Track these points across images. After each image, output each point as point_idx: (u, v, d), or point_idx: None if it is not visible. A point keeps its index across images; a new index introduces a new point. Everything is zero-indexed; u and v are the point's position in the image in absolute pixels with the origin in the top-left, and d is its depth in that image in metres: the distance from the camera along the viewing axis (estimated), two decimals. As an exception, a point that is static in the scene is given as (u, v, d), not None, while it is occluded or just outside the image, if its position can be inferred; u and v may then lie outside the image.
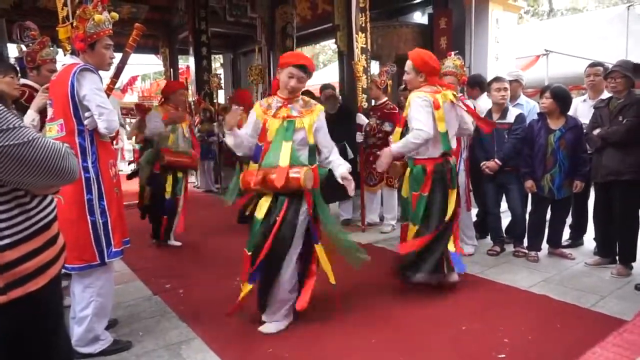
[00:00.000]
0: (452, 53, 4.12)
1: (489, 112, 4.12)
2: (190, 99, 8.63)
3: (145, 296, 3.32)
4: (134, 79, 14.98)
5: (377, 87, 5.02)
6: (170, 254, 4.44)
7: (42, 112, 2.62)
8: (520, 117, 3.98)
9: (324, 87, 5.76)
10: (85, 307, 2.40)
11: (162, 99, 4.76)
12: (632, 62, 3.58)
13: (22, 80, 3.11)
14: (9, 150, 1.08)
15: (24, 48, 3.20)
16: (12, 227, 1.17)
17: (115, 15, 2.45)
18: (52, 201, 1.32)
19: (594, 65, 4.19)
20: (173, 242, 4.69)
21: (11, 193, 1.19)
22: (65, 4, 2.43)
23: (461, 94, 4.17)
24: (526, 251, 4.06)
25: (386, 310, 2.97)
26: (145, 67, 14.99)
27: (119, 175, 2.55)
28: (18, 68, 3.12)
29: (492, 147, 4.03)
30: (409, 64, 3.22)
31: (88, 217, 2.33)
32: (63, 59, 2.56)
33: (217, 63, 13.84)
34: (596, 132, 3.54)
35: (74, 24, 2.32)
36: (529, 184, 3.88)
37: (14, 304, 1.15)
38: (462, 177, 4.06)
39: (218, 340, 2.62)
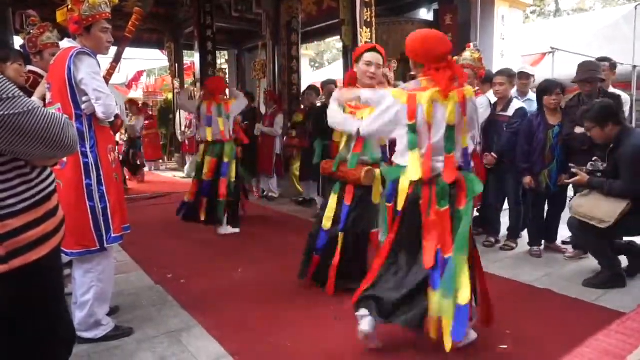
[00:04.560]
0: (471, 45, 4.09)
1: (494, 105, 4.12)
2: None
3: (147, 285, 3.33)
4: (139, 75, 14.99)
5: (389, 83, 5.00)
6: (173, 245, 4.45)
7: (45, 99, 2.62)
8: (519, 111, 3.98)
9: (326, 83, 5.76)
10: (86, 292, 2.41)
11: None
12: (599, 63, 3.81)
13: (29, 67, 3.12)
14: (9, 119, 1.07)
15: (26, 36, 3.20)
16: (13, 196, 1.17)
17: None
18: (51, 173, 1.32)
19: (601, 60, 4.19)
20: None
21: (11, 163, 1.18)
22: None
23: (477, 89, 4.09)
24: (513, 245, 4.11)
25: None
26: (151, 62, 15.02)
27: (118, 161, 2.55)
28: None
29: (492, 140, 4.04)
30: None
31: (87, 202, 2.32)
32: (62, 43, 2.54)
33: (222, 59, 13.84)
34: (578, 130, 3.57)
35: (70, 7, 2.30)
36: (528, 179, 3.86)
37: (16, 273, 1.16)
38: None
39: (219, 328, 2.62)
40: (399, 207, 2.26)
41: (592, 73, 3.65)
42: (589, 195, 3.27)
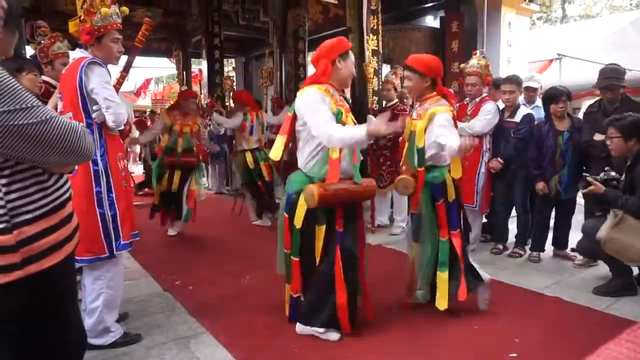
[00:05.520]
0: (477, 52, 4.10)
1: (502, 111, 4.12)
2: (203, 101, 8.71)
3: (156, 292, 3.34)
4: (147, 82, 15.14)
5: (394, 89, 5.02)
6: (181, 252, 4.47)
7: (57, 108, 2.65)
8: (526, 118, 3.98)
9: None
10: (95, 299, 2.43)
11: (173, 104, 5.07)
12: (622, 69, 3.71)
13: (42, 77, 3.17)
14: (27, 128, 1.09)
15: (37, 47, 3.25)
16: (30, 203, 1.19)
17: (126, 9, 2.46)
18: (67, 181, 1.34)
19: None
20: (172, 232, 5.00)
21: (29, 171, 1.20)
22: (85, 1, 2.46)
23: (485, 95, 4.12)
24: (521, 253, 4.08)
25: (397, 309, 2.95)
26: (159, 70, 15.17)
27: (127, 169, 2.58)
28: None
29: (500, 146, 4.04)
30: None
31: (97, 209, 2.34)
32: (73, 53, 2.59)
33: (230, 67, 13.94)
34: (598, 137, 3.52)
35: (82, 18, 2.34)
36: (541, 185, 3.84)
37: (31, 280, 1.17)
38: (482, 180, 4.03)
39: (227, 334, 2.63)
40: (451, 199, 2.79)
41: (613, 80, 3.58)
42: (621, 227, 2.95)
